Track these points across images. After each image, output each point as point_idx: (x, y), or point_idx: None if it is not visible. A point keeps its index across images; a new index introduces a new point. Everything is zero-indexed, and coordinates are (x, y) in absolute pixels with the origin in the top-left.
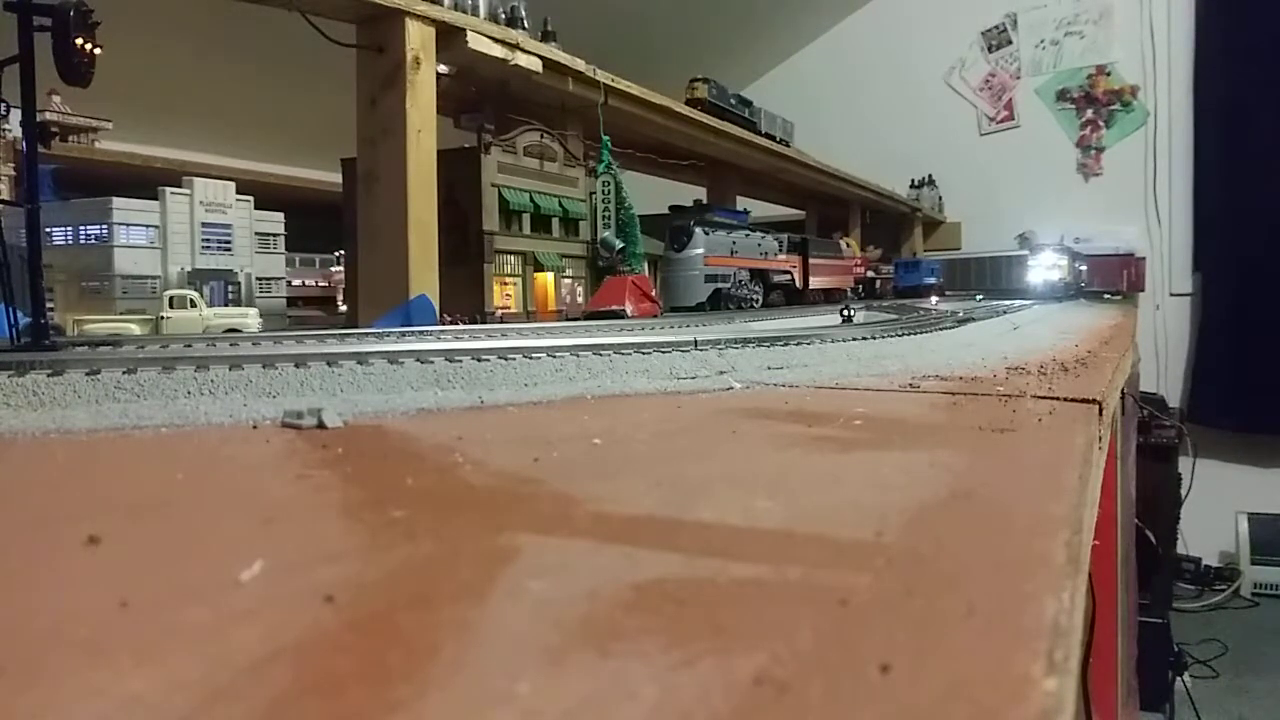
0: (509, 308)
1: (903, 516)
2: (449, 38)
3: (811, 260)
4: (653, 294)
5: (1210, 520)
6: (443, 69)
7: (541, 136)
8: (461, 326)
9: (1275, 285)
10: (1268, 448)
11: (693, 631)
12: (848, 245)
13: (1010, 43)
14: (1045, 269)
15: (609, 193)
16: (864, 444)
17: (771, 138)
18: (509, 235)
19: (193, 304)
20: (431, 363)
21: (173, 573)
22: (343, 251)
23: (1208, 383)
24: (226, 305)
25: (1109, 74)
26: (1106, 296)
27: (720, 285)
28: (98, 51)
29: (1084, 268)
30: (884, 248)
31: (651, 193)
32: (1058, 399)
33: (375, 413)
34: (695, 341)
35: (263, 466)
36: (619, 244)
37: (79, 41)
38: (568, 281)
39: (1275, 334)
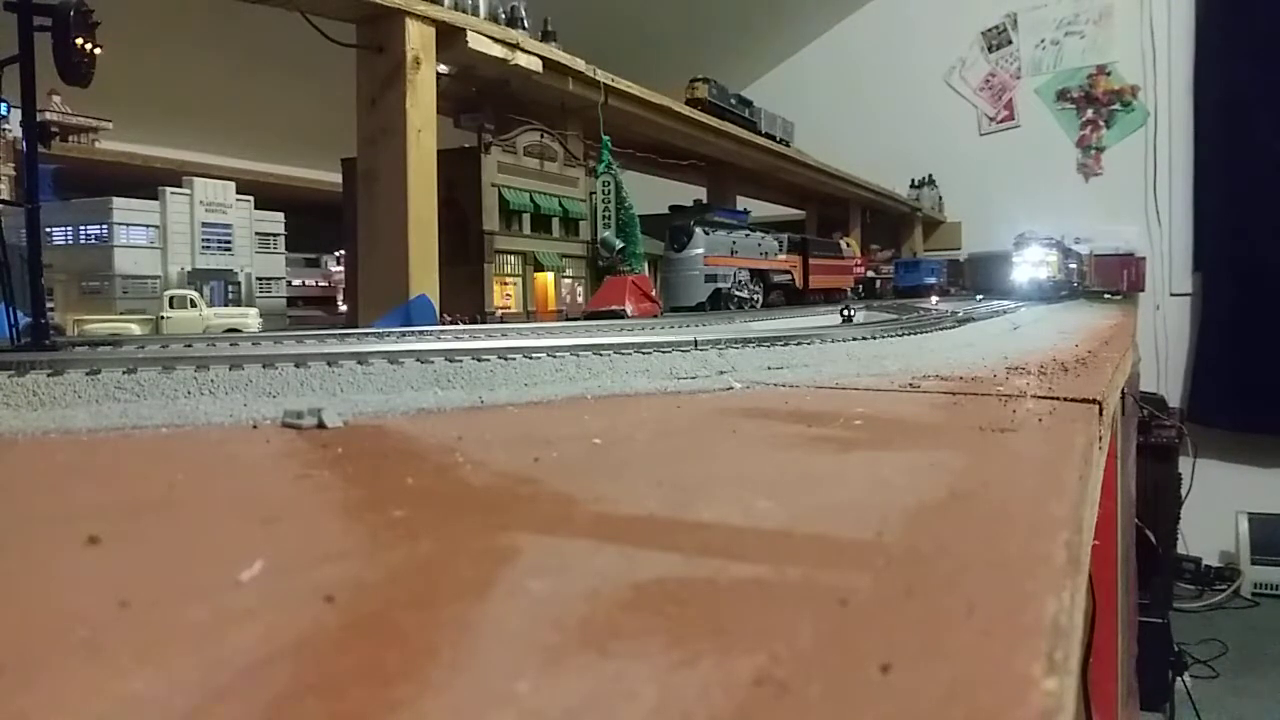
0: (509, 308)
1: (903, 516)
2: (449, 38)
3: (811, 260)
4: (653, 294)
5: (1210, 520)
6: (443, 69)
7: (541, 136)
8: (461, 326)
9: (1275, 285)
10: (1268, 448)
11: (693, 631)
12: (848, 245)
13: (1010, 43)
14: (1032, 266)
15: (609, 193)
16: (864, 444)
17: (771, 138)
18: (509, 235)
19: (193, 304)
20: (431, 363)
21: (173, 573)
22: (343, 251)
23: (1208, 383)
24: (226, 305)
25: (1109, 74)
26: (1106, 296)
27: (720, 285)
28: (98, 51)
29: (1075, 265)
30: (884, 247)
31: (651, 193)
32: (1058, 399)
33: (375, 413)
34: (695, 341)
35: (263, 466)
36: (619, 244)
37: (79, 41)
38: (568, 281)
39: (1275, 334)
